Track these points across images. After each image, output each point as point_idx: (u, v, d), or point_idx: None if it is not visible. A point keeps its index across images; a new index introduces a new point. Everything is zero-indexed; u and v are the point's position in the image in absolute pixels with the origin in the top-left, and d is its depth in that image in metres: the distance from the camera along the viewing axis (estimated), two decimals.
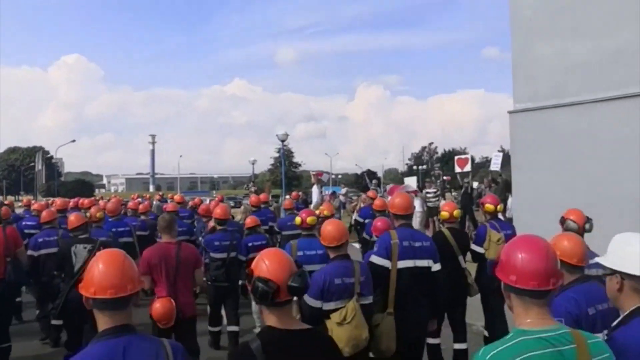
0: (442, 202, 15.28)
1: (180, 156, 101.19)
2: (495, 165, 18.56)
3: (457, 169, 22.44)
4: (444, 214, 6.88)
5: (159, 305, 5.49)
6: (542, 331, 2.11)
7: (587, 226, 5.03)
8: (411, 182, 21.18)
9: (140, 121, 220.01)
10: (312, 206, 13.77)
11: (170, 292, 5.55)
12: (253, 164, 43.05)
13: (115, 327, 2.38)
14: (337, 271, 4.53)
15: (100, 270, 2.39)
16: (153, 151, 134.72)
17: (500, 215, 7.67)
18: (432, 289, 5.18)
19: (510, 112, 9.60)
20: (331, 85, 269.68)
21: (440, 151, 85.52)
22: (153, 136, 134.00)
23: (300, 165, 66.52)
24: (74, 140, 63.22)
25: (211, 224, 8.88)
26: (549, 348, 2.06)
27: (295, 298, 2.73)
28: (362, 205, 13.17)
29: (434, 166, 50.60)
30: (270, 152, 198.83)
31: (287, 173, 60.79)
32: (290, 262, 2.60)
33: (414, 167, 72.39)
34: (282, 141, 24.67)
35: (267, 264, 2.55)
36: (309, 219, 6.36)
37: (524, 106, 9.41)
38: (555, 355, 2.05)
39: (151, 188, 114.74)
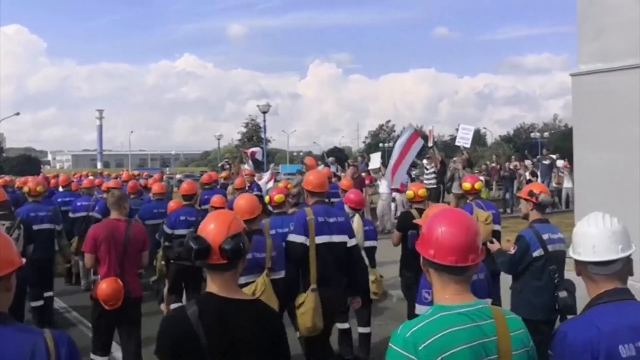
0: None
1: (132, 132, 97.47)
2: (465, 141, 16.37)
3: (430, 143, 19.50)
4: (409, 193, 6.94)
5: (106, 286, 5.25)
6: (461, 306, 2.09)
7: (555, 199, 5.08)
8: (375, 158, 19.15)
9: (85, 96, 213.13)
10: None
11: (117, 271, 5.36)
12: (219, 139, 40.77)
13: None
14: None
15: None
16: (100, 127, 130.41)
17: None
18: (351, 265, 5.27)
19: (573, 75, 7.96)
20: (283, 62, 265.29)
21: (398, 129, 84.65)
22: (100, 111, 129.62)
23: (270, 141, 63.76)
24: (18, 113, 57.87)
25: None
26: (468, 323, 2.04)
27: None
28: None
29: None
30: (222, 129, 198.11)
31: None
32: (232, 225, 2.48)
33: (383, 144, 71.55)
34: (264, 112, 22.65)
35: (207, 222, 2.51)
36: (277, 197, 6.60)
37: (592, 67, 7.79)
38: (475, 330, 2.03)
39: (99, 165, 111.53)
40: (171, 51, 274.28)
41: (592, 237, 2.35)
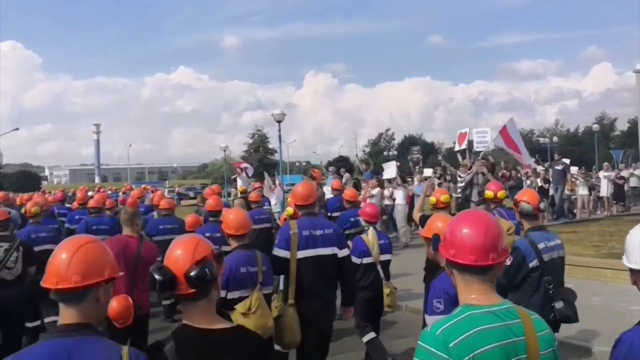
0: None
1: (130, 145, 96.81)
2: (484, 145, 15.61)
3: (457, 147, 18.58)
4: (432, 199, 6.72)
5: (116, 304, 4.63)
6: (489, 306, 2.08)
7: (541, 206, 4.97)
8: (390, 168, 17.14)
9: (81, 111, 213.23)
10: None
11: (127, 288, 5.19)
12: (224, 150, 39.86)
13: (67, 325, 2.13)
14: (242, 260, 4.58)
15: (52, 258, 2.20)
16: (98, 141, 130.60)
17: None
18: (342, 276, 5.21)
19: (636, 72, 7.38)
20: (278, 73, 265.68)
21: (398, 137, 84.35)
22: (97, 125, 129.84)
23: (276, 151, 62.33)
24: (17, 129, 56.47)
25: None
26: (498, 323, 2.03)
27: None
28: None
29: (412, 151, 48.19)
30: (218, 140, 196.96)
31: (262, 160, 57.79)
32: (197, 250, 2.32)
33: (386, 153, 70.65)
34: (279, 122, 21.79)
35: (171, 251, 2.38)
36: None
37: None
38: (504, 330, 2.03)
39: (97, 179, 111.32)
40: (166, 64, 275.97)
41: None
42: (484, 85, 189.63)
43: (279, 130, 21.93)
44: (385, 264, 6.41)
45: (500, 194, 6.84)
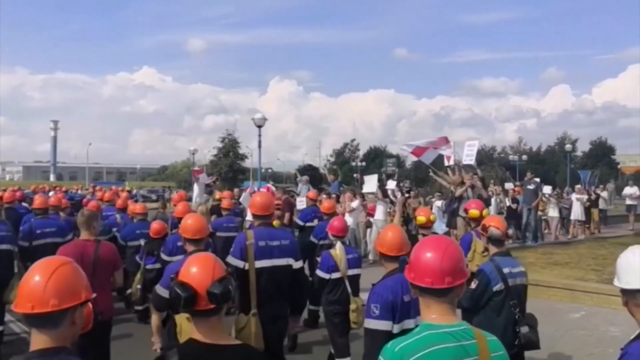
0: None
1: (90, 144, 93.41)
2: (470, 159, 14.93)
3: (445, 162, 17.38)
4: (421, 218, 6.80)
5: None
6: (447, 326, 2.20)
7: (509, 232, 5.31)
8: (370, 181, 15.76)
9: (38, 106, 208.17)
10: (192, 206, 11.53)
11: None
12: (193, 154, 38.16)
13: (44, 350, 2.08)
14: None
15: (24, 281, 2.15)
16: (55, 138, 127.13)
17: None
18: (294, 287, 5.22)
19: None
20: (243, 78, 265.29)
21: (363, 148, 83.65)
22: (55, 122, 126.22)
23: (247, 157, 60.12)
24: None
25: None
26: (453, 342, 2.15)
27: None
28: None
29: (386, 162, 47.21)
30: (179, 143, 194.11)
31: (233, 165, 56.03)
32: (216, 269, 2.41)
33: (354, 164, 69.45)
34: (259, 126, 20.69)
35: (189, 268, 2.42)
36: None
37: None
38: (459, 349, 2.15)
39: (52, 177, 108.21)
40: (130, 63, 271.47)
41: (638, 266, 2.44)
42: (446, 100, 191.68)
43: (259, 135, 21.14)
44: (354, 279, 6.34)
45: (484, 212, 6.64)
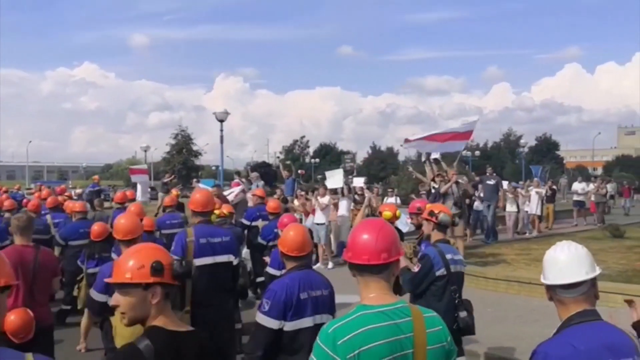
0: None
1: (30, 142, 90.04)
2: (435, 153, 14.76)
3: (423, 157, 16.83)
4: (387, 214, 6.80)
5: (14, 317, 4.65)
6: (382, 306, 2.27)
7: (455, 219, 5.58)
8: (335, 177, 15.41)
9: None
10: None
11: (25, 301, 5.00)
12: (145, 151, 36.77)
13: None
14: None
15: None
16: None
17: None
18: (235, 281, 5.43)
19: None
20: (188, 74, 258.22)
21: (312, 145, 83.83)
22: None
23: (201, 154, 58.64)
24: None
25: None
26: (387, 322, 2.22)
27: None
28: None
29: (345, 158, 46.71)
30: (123, 140, 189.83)
31: (186, 162, 54.48)
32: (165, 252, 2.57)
33: (308, 160, 68.77)
34: (221, 121, 19.87)
35: (152, 250, 2.54)
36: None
37: None
38: (393, 328, 2.22)
39: None
40: (70, 59, 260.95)
41: (560, 263, 2.54)
42: (392, 97, 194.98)
43: (221, 130, 20.30)
44: None
45: (398, 213, 7.17)
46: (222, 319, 5.14)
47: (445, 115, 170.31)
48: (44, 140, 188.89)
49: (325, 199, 13.45)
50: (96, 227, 7.49)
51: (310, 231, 12.66)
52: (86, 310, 7.07)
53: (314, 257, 13.82)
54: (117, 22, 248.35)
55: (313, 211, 13.53)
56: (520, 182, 24.71)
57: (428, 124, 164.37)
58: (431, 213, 5.11)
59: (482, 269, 11.08)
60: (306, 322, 3.66)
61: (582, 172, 52.18)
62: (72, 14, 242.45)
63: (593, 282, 2.51)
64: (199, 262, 5.00)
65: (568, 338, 2.39)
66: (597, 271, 2.52)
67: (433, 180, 13.46)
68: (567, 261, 2.51)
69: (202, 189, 6.56)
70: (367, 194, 15.93)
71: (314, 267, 12.70)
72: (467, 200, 16.67)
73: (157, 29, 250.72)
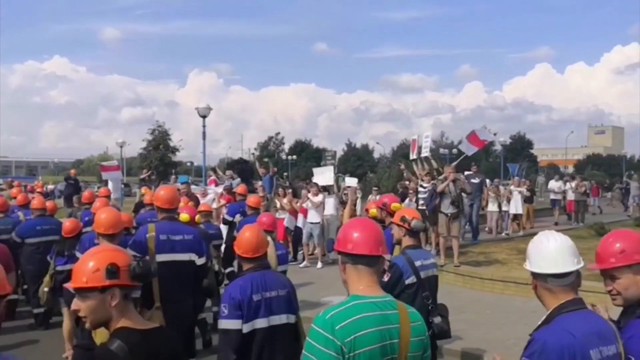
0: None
1: None
2: (425, 151, 14.56)
3: (412, 156, 16.36)
4: (373, 211, 6.74)
5: None
6: (373, 297, 2.46)
7: (426, 225, 4.46)
8: (324, 173, 15.35)
9: None
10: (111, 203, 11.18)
11: None
12: (121, 146, 35.83)
13: None
14: None
15: None
16: None
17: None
18: (195, 284, 5.30)
19: None
20: (161, 69, 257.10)
21: (287, 142, 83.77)
22: None
23: (178, 150, 57.20)
24: None
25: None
26: (377, 311, 2.41)
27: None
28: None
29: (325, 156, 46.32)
30: (94, 136, 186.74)
31: (163, 159, 53.26)
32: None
33: (285, 157, 67.83)
34: (204, 117, 19.36)
35: (112, 251, 2.56)
36: (182, 217, 6.54)
37: None
38: (382, 317, 2.41)
39: None
40: (39, 52, 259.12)
41: (553, 251, 2.57)
42: (366, 95, 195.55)
43: (204, 126, 19.84)
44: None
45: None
46: (180, 317, 5.12)
47: (418, 113, 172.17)
48: (12, 135, 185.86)
49: (319, 197, 13.24)
50: (68, 224, 7.50)
51: (299, 230, 12.38)
52: (65, 311, 6.86)
53: (300, 256, 13.66)
54: (88, 16, 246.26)
55: (303, 210, 13.25)
56: (496, 180, 24.45)
57: (402, 122, 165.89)
58: (403, 219, 4.89)
59: (476, 270, 10.96)
60: (260, 322, 3.77)
61: (554, 171, 52.64)
62: (42, 7, 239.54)
63: (578, 271, 2.59)
64: (159, 258, 5.02)
65: (564, 325, 2.45)
66: (582, 263, 2.60)
67: (422, 179, 13.24)
68: (559, 250, 2.56)
69: (167, 186, 6.39)
70: (349, 191, 15.71)
71: (300, 266, 12.78)
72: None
73: (129, 23, 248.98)
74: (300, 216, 13.34)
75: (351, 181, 17.22)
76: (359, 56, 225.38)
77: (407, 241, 4.89)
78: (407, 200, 14.60)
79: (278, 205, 13.79)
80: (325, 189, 14.20)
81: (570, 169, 68.27)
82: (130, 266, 2.46)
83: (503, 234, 18.09)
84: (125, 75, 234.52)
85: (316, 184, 13.91)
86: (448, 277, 10.67)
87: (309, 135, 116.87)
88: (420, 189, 13.36)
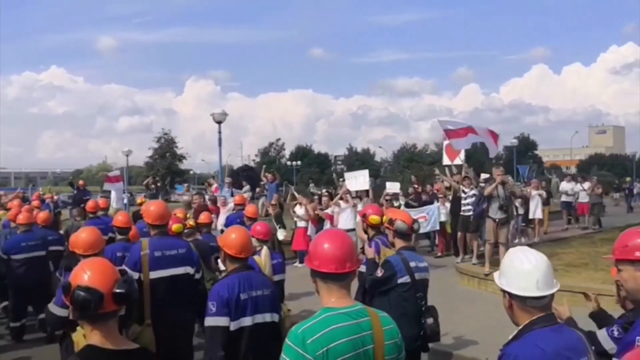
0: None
1: None
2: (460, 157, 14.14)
3: (446, 161, 15.54)
4: (375, 218, 6.12)
5: None
6: (344, 308, 2.52)
7: (415, 226, 5.11)
8: (359, 178, 14.69)
9: None
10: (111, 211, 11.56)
11: None
12: (127, 155, 35.30)
13: None
14: None
15: None
16: None
17: None
18: (197, 296, 5.17)
19: None
20: (158, 78, 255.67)
21: (288, 148, 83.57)
22: None
23: (185, 157, 56.83)
24: None
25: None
26: (349, 321, 2.47)
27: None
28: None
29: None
30: (92, 145, 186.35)
31: (170, 167, 52.74)
32: (114, 270, 2.44)
33: (290, 163, 67.66)
34: (219, 122, 18.87)
35: (88, 272, 2.36)
36: (175, 227, 6.71)
37: None
38: (354, 327, 2.47)
39: None
40: (36, 62, 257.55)
41: (533, 273, 2.54)
42: (363, 100, 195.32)
43: (219, 132, 19.29)
44: (279, 284, 6.17)
45: (385, 218, 5.66)
46: (180, 333, 5.11)
47: (415, 117, 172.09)
48: (10, 146, 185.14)
49: (350, 203, 12.80)
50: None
51: None
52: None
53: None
54: (84, 25, 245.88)
55: (329, 216, 12.79)
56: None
57: (399, 125, 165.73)
58: (390, 221, 5.06)
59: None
60: (246, 321, 3.84)
61: (557, 171, 52.16)
62: (37, 17, 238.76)
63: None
64: (154, 275, 4.98)
65: (535, 340, 2.47)
66: (559, 284, 2.62)
67: (462, 184, 12.74)
68: (540, 272, 2.55)
69: (156, 201, 6.41)
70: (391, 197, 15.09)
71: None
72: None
73: (126, 32, 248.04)
74: (326, 222, 12.94)
75: (393, 186, 16.49)
76: (355, 61, 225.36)
77: (399, 243, 5.02)
78: (436, 203, 14.35)
79: (298, 212, 13.39)
80: (357, 196, 13.72)
81: (573, 170, 67.88)
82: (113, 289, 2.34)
83: (515, 241, 17.34)
84: (123, 84, 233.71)
85: (347, 190, 13.34)
86: (494, 286, 9.84)
87: (308, 141, 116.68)
88: (462, 194, 12.75)
